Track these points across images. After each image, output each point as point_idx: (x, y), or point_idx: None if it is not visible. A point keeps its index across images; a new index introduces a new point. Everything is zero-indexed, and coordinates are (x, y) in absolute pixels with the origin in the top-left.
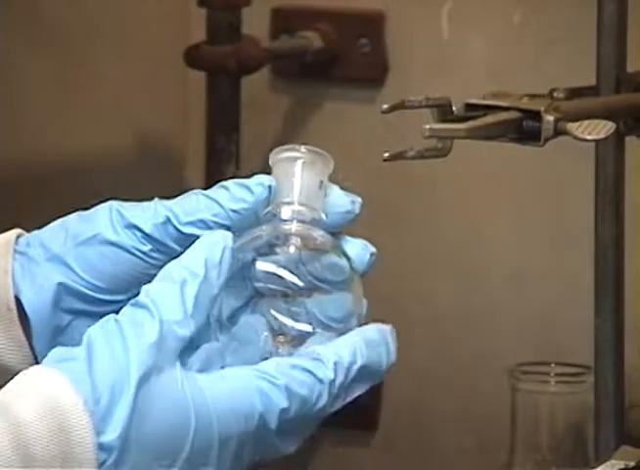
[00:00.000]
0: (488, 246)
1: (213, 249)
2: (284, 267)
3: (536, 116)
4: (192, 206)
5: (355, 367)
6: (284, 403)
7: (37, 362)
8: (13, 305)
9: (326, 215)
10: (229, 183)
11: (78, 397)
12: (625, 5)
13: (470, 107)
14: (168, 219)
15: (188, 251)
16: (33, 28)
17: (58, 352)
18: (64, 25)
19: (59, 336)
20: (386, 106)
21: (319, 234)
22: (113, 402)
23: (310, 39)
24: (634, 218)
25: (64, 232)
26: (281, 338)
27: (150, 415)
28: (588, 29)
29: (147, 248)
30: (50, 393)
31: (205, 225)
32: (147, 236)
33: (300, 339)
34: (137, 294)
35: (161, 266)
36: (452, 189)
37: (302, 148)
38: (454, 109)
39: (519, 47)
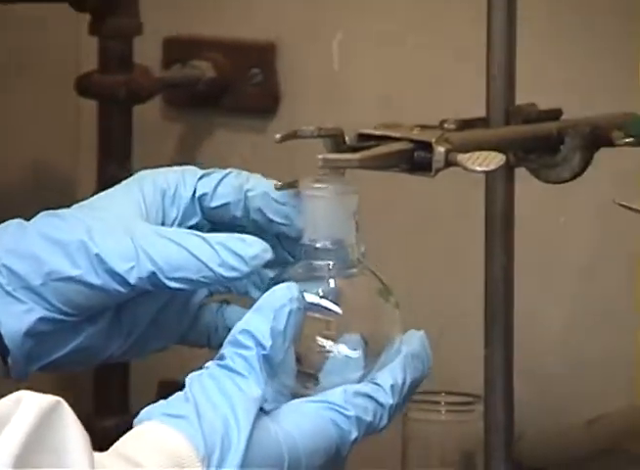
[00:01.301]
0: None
1: (279, 316)
2: (325, 298)
3: (428, 146)
4: (178, 262)
5: (407, 386)
6: (355, 434)
7: (6, 366)
8: None
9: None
10: (216, 244)
11: (195, 452)
12: (514, 39)
13: (362, 137)
14: (154, 274)
15: (254, 315)
16: None
17: (162, 406)
18: None
19: (29, 350)
20: (278, 135)
21: (351, 268)
22: (223, 458)
23: (202, 69)
24: (524, 249)
25: (32, 260)
26: (324, 361)
27: (252, 465)
28: (479, 61)
29: (127, 290)
30: (171, 449)
31: (192, 283)
32: (129, 284)
33: (344, 361)
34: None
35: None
36: None
37: (333, 182)
38: (347, 139)
39: (410, 77)
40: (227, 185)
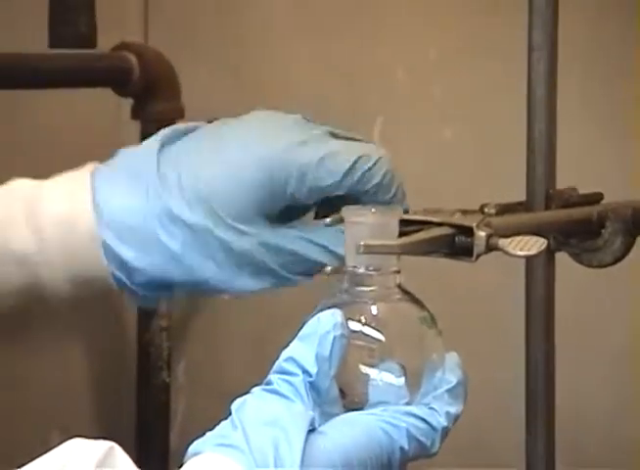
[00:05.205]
0: None
1: (324, 342)
2: (368, 325)
3: (468, 231)
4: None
5: (459, 414)
6: (405, 444)
7: None
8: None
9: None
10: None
11: None
12: (554, 122)
13: (404, 222)
14: None
15: (299, 343)
16: None
17: (211, 438)
18: None
19: None
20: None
21: (393, 294)
22: None
23: None
24: (565, 334)
25: None
26: (366, 388)
27: None
28: (519, 145)
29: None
30: None
31: None
32: None
33: (388, 389)
34: None
35: None
36: None
37: (373, 209)
38: None
39: (451, 162)
40: None
